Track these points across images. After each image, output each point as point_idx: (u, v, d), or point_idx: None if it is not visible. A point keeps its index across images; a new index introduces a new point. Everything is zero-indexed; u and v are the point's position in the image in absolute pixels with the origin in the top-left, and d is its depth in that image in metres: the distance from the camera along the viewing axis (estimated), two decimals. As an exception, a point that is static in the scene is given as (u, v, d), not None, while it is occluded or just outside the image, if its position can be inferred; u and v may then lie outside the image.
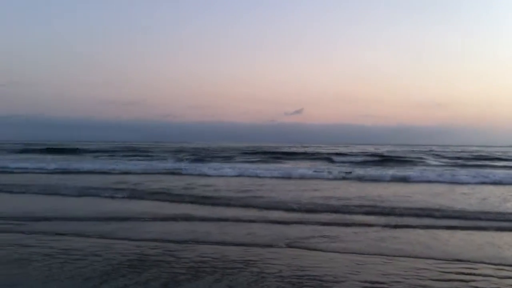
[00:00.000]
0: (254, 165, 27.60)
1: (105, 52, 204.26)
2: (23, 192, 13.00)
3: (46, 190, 13.45)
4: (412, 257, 5.89)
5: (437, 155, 43.28)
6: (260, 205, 10.66)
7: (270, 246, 6.48)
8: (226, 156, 38.70)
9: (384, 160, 34.14)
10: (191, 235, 7.22)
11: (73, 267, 5.16)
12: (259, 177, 19.29)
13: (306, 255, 5.99)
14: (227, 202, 11.11)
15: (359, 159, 34.94)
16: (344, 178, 18.60)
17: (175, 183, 15.79)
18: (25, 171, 21.82)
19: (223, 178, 18.82)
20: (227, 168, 22.81)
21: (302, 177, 19.11)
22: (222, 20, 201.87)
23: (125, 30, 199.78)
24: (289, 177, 19.19)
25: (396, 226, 8.18)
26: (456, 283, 4.80)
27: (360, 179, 18.32)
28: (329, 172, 20.15)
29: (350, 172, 20.11)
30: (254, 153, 43.65)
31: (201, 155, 38.68)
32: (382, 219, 8.92)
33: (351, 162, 31.90)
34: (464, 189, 14.86)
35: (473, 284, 4.81)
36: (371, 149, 62.15)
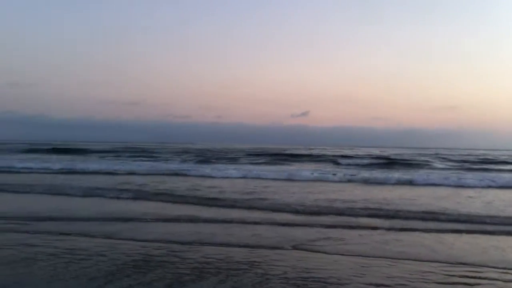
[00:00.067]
0: (259, 167, 27.63)
1: (105, 52, 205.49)
2: (28, 192, 13.05)
3: (51, 190, 13.51)
4: (417, 260, 5.87)
5: (443, 158, 43.12)
6: (265, 207, 10.66)
7: (275, 248, 6.48)
8: (231, 157, 38.73)
9: (390, 163, 34.08)
10: (195, 236, 7.23)
11: (78, 267, 5.17)
12: (264, 178, 19.29)
13: (310, 257, 5.98)
14: (232, 204, 11.11)
15: (364, 161, 34.86)
16: (349, 181, 18.57)
17: (179, 184, 15.82)
18: (30, 171, 21.91)
19: (228, 179, 18.84)
20: (232, 169, 22.84)
21: (307, 179, 19.09)
22: (230, 20, 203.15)
23: (127, 30, 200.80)
24: (294, 179, 19.16)
25: (401, 229, 8.15)
26: (461, 287, 4.78)
27: (366, 181, 18.29)
28: (334, 175, 20.12)
29: (355, 175, 20.06)
30: (259, 154, 43.63)
31: (206, 156, 38.75)
32: (387, 222, 8.90)
33: (357, 165, 31.87)
34: (470, 192, 14.80)
35: (478, 287, 4.79)
36: (377, 151, 62.08)
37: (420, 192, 14.70)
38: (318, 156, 43.33)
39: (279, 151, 51.03)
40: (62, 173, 20.93)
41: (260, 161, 35.68)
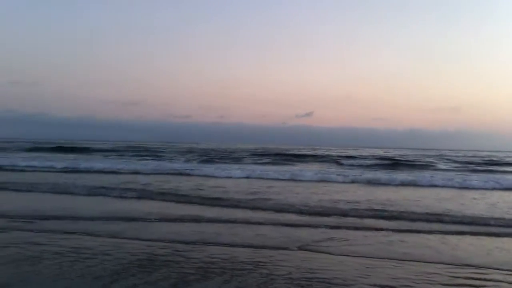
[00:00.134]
0: (263, 167, 27.64)
1: (108, 52, 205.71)
2: (32, 191, 13.09)
3: (55, 188, 13.54)
4: (422, 262, 5.86)
5: (447, 159, 43.05)
6: (269, 207, 10.66)
7: (280, 248, 6.48)
8: (235, 157, 38.73)
9: (394, 164, 34.03)
10: (200, 236, 7.24)
11: (84, 266, 5.19)
12: (268, 179, 19.30)
13: (315, 257, 5.98)
14: (236, 204, 11.11)
15: (368, 162, 34.83)
16: (353, 181, 18.54)
17: (184, 184, 15.84)
18: (34, 169, 21.98)
19: (231, 179, 18.85)
20: (235, 169, 22.86)
21: (310, 180, 19.07)
22: (233, 20, 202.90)
23: (131, 30, 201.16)
24: (298, 180, 19.16)
25: (405, 231, 8.14)
26: (466, 289, 4.78)
27: (369, 182, 18.27)
28: (338, 175, 20.11)
29: (359, 176, 20.03)
30: (264, 154, 43.62)
31: (210, 156, 38.77)
32: (391, 223, 8.89)
33: (361, 165, 31.83)
34: (474, 194, 14.78)
35: (484, 289, 4.79)
36: (381, 152, 61.98)
37: (424, 193, 14.67)
38: (322, 156, 43.32)
39: (282, 151, 51.01)
40: (65, 171, 20.98)
41: (263, 161, 35.68)
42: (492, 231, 8.32)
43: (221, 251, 6.16)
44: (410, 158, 41.93)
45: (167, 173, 21.03)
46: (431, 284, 4.85)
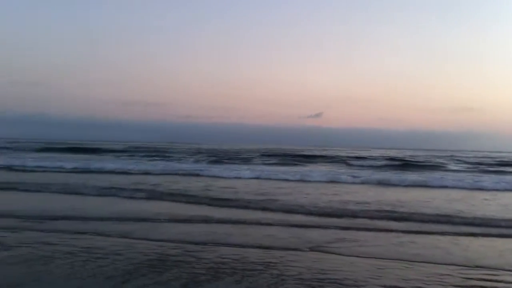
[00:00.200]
0: (272, 168, 27.63)
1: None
2: (43, 191, 13.18)
3: (65, 189, 13.61)
4: (433, 263, 5.82)
5: (458, 160, 42.78)
6: (279, 208, 10.66)
7: (290, 249, 6.48)
8: (244, 158, 38.74)
9: (404, 164, 33.83)
10: (210, 236, 7.25)
11: (95, 265, 5.22)
12: (277, 179, 19.27)
13: (326, 258, 5.97)
14: (246, 205, 11.11)
15: (378, 163, 34.69)
16: (362, 182, 18.48)
17: (193, 185, 15.87)
18: (44, 169, 22.13)
19: (240, 180, 18.87)
20: (245, 170, 22.87)
21: (320, 181, 19.03)
22: (243, 20, 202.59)
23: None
24: (307, 180, 19.11)
25: (416, 232, 8.10)
26: (478, 290, 4.75)
27: (379, 183, 18.20)
28: (348, 176, 20.05)
29: (368, 176, 19.96)
30: (273, 155, 43.57)
31: (218, 157, 38.80)
32: (402, 224, 8.85)
33: (371, 166, 31.71)
34: (486, 195, 14.66)
35: (496, 291, 4.75)
36: (391, 153, 61.73)
37: (435, 194, 14.59)
38: (332, 157, 43.19)
39: (292, 152, 50.97)
40: (76, 172, 21.10)
41: (273, 161, 35.65)
42: (503, 232, 8.27)
43: (231, 251, 6.17)
44: (420, 159, 41.72)
45: (176, 174, 21.09)
46: (443, 285, 4.82)
